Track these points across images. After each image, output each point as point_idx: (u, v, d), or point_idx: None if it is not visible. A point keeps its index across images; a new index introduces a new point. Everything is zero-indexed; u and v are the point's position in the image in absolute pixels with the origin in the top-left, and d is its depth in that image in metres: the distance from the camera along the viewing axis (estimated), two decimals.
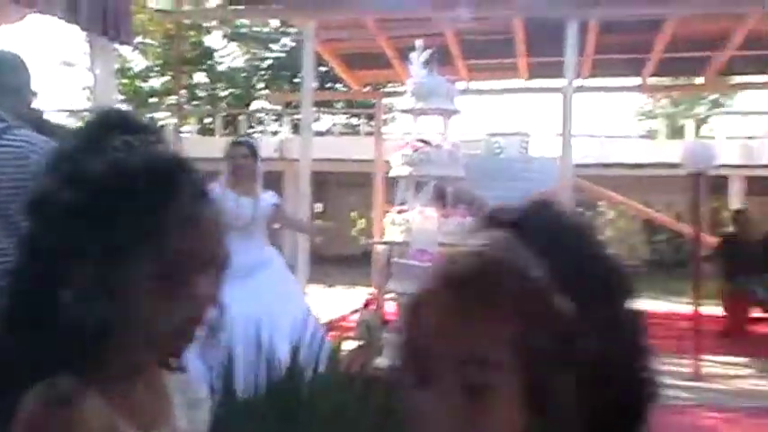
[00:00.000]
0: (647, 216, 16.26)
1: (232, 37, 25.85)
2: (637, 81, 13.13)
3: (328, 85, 22.43)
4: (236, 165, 4.90)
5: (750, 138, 19.17)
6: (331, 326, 3.58)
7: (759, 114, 21.40)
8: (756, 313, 9.15)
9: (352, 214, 22.05)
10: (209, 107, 25.85)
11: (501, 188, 16.36)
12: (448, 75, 9.05)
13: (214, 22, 22.79)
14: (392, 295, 4.19)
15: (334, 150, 18.32)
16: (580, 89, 11.40)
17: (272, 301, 4.34)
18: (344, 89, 15.92)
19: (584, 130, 19.48)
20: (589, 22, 9.50)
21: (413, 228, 4.23)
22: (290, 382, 3.02)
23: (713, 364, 7.34)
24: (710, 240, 10.90)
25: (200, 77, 26.32)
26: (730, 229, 10.44)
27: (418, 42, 4.60)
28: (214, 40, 26.15)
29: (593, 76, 12.67)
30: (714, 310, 9.44)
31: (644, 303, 0.91)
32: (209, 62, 25.98)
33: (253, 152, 4.96)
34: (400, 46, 9.74)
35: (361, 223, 21.17)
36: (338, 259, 16.32)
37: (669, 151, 14.66)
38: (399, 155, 4.50)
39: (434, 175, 4.48)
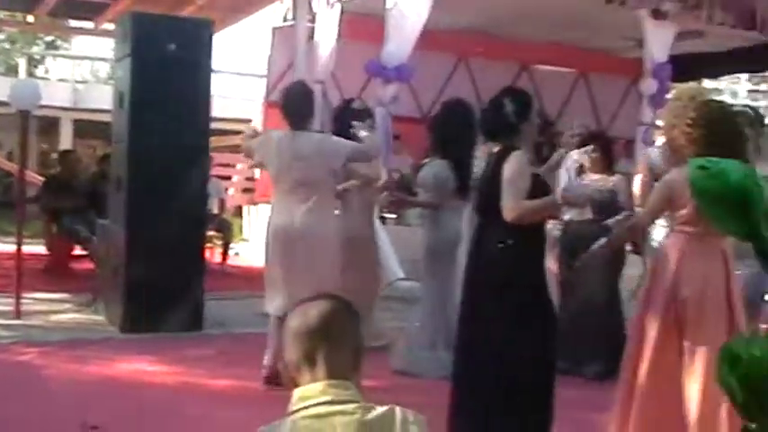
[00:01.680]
0: None
1: None
2: None
3: None
4: None
5: (80, 82, 19.66)
6: None
7: (89, 59, 22.07)
8: (79, 251, 9.50)
9: None
10: None
11: None
12: None
13: None
14: None
15: None
16: None
17: None
18: None
19: None
20: None
21: None
22: None
23: (35, 301, 7.51)
24: (39, 181, 11.02)
25: None
26: (58, 169, 10.64)
27: None
28: None
29: None
30: (40, 249, 9.63)
31: None
32: None
33: None
34: None
35: None
36: None
37: (1, 89, 14.38)
38: None
39: None
